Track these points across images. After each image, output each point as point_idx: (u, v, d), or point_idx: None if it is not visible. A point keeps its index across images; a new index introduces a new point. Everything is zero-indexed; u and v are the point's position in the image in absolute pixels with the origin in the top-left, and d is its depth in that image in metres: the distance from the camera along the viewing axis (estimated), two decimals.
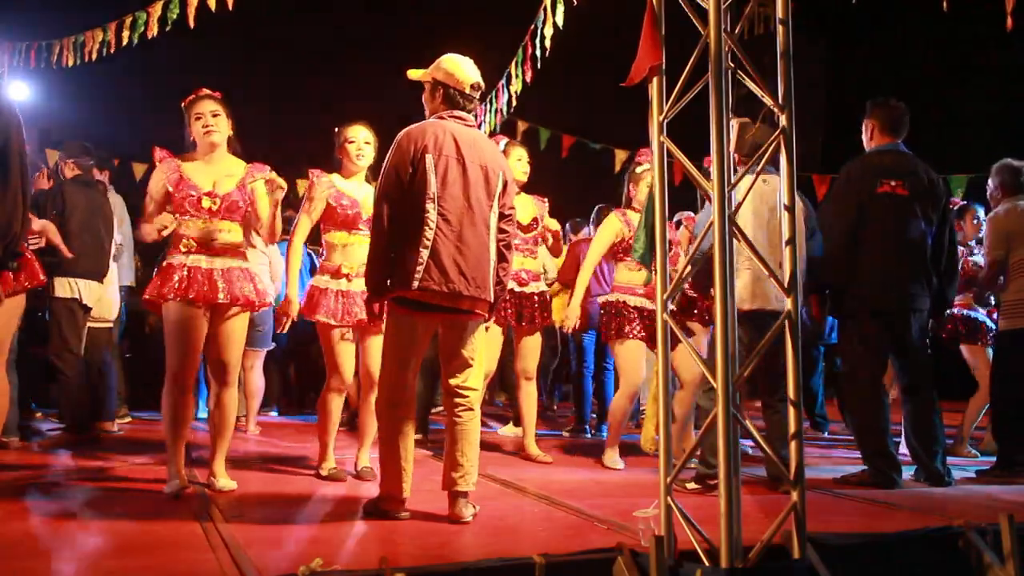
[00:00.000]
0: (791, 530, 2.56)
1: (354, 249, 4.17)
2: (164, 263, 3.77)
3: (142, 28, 7.38)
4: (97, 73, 8.14)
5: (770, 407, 4.17)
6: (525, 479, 4.27)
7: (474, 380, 3.42)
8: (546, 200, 5.22)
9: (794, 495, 2.56)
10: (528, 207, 5.04)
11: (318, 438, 4.31)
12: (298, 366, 8.09)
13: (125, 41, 7.56)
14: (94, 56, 7.88)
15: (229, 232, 3.81)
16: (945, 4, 5.32)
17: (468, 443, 3.37)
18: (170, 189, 3.75)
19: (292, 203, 7.41)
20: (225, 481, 3.85)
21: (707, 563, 2.47)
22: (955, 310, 5.55)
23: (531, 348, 5.10)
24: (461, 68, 3.43)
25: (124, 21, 7.56)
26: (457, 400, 3.39)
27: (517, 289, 4.96)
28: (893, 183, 4.35)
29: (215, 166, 3.84)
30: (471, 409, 3.39)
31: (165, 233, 3.71)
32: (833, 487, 4.18)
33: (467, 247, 3.26)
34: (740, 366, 2.64)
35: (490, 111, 9.29)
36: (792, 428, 2.61)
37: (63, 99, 8.87)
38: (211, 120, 3.79)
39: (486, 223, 3.34)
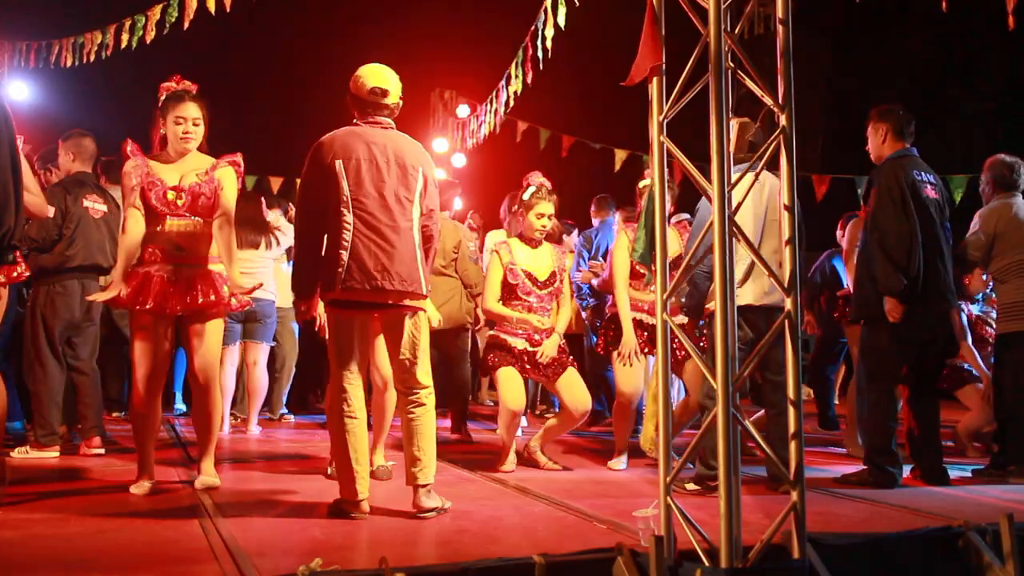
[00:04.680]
0: (791, 530, 2.56)
1: None
2: (131, 270, 3.83)
3: (140, 32, 7.39)
4: (97, 73, 8.13)
5: (774, 407, 4.14)
6: (525, 479, 4.27)
7: (421, 376, 3.45)
8: (567, 252, 4.95)
9: (794, 495, 2.56)
10: (547, 259, 4.71)
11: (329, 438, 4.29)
12: (299, 366, 8.07)
13: (124, 44, 7.57)
14: (92, 58, 7.90)
15: (195, 235, 3.83)
16: (944, 4, 5.32)
17: (423, 437, 3.42)
18: (139, 180, 3.78)
19: (291, 198, 7.40)
20: (209, 479, 3.85)
21: (707, 563, 2.47)
22: None
23: (571, 384, 4.63)
24: (363, 76, 3.51)
25: (123, 24, 7.57)
26: (409, 397, 3.46)
27: (530, 349, 4.61)
28: (929, 187, 4.33)
29: (183, 164, 3.89)
30: (423, 405, 3.44)
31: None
32: (833, 487, 4.18)
33: (388, 243, 3.33)
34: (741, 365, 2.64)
35: (490, 111, 9.29)
36: (792, 428, 2.61)
37: (63, 99, 8.86)
38: (192, 128, 3.85)
39: (408, 218, 3.42)
